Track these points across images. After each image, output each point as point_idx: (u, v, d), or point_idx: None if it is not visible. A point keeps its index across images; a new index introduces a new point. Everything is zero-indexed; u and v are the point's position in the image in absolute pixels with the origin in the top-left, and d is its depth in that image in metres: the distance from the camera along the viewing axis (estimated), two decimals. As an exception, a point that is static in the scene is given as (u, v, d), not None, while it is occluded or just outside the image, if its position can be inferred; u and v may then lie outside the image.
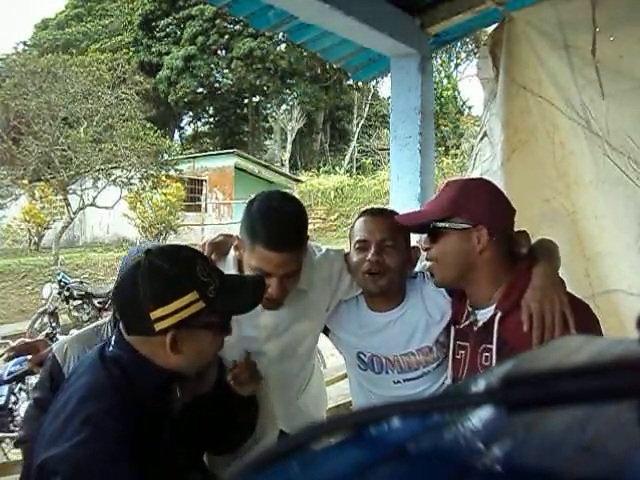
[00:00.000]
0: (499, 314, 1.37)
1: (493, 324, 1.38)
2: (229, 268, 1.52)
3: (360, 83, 22.03)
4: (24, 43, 28.37)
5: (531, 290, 1.35)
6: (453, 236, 1.40)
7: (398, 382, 1.61)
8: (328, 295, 1.63)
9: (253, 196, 1.52)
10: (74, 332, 2.05)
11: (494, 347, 1.36)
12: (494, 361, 1.35)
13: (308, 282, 1.56)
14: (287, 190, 14.13)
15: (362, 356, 1.64)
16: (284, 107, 25.73)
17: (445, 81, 24.75)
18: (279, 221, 1.41)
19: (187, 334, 1.11)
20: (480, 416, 0.34)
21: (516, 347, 1.29)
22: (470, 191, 1.44)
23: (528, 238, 1.52)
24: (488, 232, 1.37)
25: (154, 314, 1.08)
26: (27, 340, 2.34)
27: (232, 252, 1.56)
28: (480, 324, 1.42)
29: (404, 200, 2.66)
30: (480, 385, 0.35)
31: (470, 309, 1.47)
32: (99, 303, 8.62)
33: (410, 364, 1.59)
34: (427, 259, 1.50)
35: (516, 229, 1.55)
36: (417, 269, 1.69)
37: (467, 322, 1.46)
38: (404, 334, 1.59)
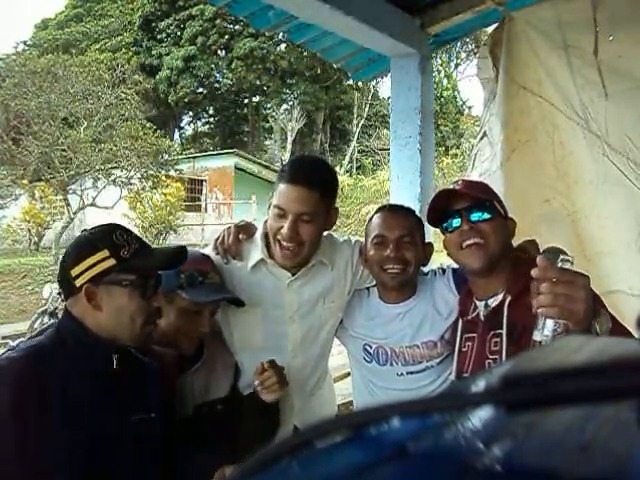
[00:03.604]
0: (509, 298, 1.40)
1: (502, 309, 1.40)
2: (257, 247, 1.59)
3: (360, 83, 22.01)
4: (24, 43, 28.32)
5: None
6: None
7: (401, 374, 1.63)
8: (349, 278, 1.68)
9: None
10: None
11: (504, 331, 1.38)
12: (504, 345, 1.37)
13: (330, 259, 1.63)
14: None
15: (368, 347, 1.67)
16: (284, 107, 25.69)
17: (445, 81, 24.75)
18: (303, 161, 1.65)
19: (104, 290, 1.25)
20: (480, 416, 0.34)
21: (527, 327, 1.28)
22: None
23: (537, 246, 1.55)
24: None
25: (73, 272, 1.25)
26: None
27: (259, 231, 1.63)
28: (488, 311, 1.44)
29: (404, 200, 2.64)
30: (480, 385, 0.35)
31: (477, 301, 1.49)
32: (99, 303, 8.60)
33: (414, 357, 1.62)
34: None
35: (517, 231, 1.56)
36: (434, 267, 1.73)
37: (475, 313, 1.49)
38: (411, 326, 1.63)
